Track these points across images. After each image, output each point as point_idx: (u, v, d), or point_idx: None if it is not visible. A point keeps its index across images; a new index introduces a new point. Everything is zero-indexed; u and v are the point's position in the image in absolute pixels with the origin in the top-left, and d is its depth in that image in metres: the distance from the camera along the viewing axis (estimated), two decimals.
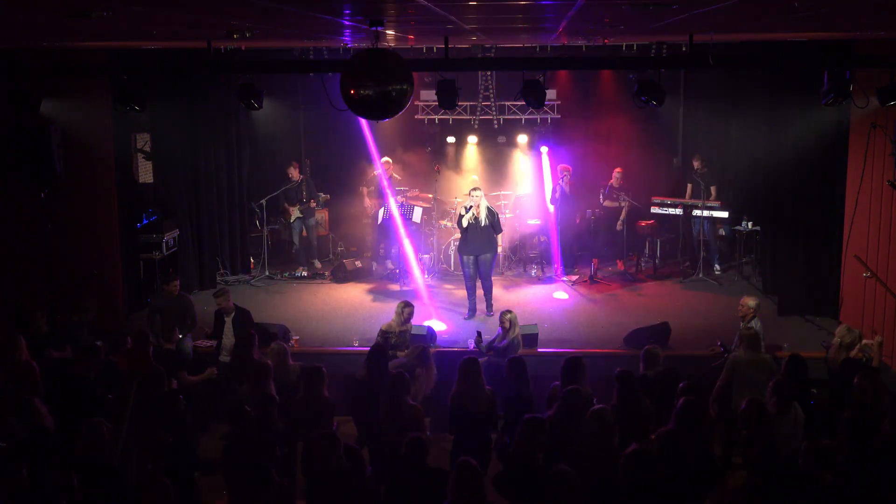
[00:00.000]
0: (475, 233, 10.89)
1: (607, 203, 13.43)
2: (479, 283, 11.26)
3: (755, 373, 7.34)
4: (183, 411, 6.73)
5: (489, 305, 11.17)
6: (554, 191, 13.04)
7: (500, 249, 12.33)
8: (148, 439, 6.10)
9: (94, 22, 6.00)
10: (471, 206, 10.87)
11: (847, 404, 6.60)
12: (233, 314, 9.42)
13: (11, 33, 7.63)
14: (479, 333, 9.27)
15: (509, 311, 8.88)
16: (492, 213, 10.96)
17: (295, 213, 13.43)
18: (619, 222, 13.29)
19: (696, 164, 13.13)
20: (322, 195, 13.82)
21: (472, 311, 11.12)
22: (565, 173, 12.96)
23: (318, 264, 13.66)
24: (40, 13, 5.97)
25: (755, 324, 8.63)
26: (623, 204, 13.22)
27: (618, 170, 13.51)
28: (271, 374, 7.24)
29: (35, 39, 8.35)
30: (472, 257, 11.01)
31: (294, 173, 13.39)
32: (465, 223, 10.87)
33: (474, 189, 11.10)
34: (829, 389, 7.63)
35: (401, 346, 8.93)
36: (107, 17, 5.83)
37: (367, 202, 13.77)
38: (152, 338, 8.76)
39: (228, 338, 9.21)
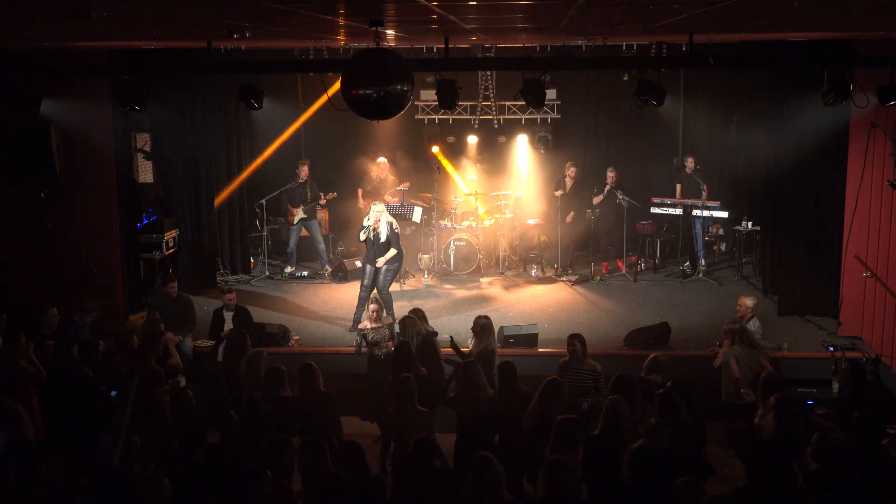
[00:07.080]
0: (372, 247, 10.53)
1: (597, 199, 13.15)
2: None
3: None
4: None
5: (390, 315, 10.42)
6: (559, 186, 13.06)
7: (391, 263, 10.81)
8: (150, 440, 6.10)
9: (94, 22, 6.01)
10: (369, 224, 10.48)
11: None
12: (233, 312, 9.40)
13: (11, 33, 7.63)
14: (451, 338, 8.77)
15: (483, 317, 8.51)
16: (392, 229, 10.52)
17: (299, 214, 13.20)
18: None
19: (689, 163, 13.01)
20: (330, 193, 13.37)
21: (355, 323, 10.41)
22: (570, 169, 12.97)
23: (329, 269, 13.25)
24: (40, 13, 5.97)
25: (753, 323, 8.64)
26: (621, 201, 13.00)
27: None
28: (285, 377, 7.24)
29: (35, 39, 8.34)
30: (370, 267, 10.60)
31: (303, 172, 13.13)
32: (362, 237, 10.59)
33: (374, 203, 10.76)
34: None
35: (379, 343, 8.84)
36: (107, 17, 5.84)
37: (361, 202, 13.67)
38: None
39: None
